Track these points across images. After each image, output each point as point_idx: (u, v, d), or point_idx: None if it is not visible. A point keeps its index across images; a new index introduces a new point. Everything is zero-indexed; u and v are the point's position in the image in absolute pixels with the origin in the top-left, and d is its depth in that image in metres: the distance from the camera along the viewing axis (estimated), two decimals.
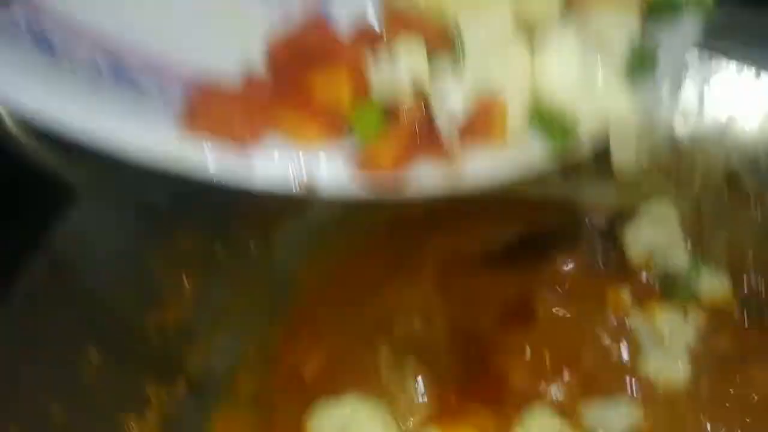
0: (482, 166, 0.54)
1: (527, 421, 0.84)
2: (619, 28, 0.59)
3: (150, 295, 0.84)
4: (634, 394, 0.87)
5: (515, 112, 0.53)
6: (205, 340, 0.90)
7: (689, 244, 0.99)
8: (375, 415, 0.86)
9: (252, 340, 0.94)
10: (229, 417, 0.87)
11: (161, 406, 0.81)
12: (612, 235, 1.02)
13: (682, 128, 1.02)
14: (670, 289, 0.95)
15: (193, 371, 0.87)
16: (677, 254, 0.98)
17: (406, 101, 0.51)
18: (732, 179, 1.00)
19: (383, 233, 1.07)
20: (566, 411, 0.85)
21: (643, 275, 0.98)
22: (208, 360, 0.89)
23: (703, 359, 0.89)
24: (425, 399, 0.89)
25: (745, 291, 0.96)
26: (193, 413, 0.84)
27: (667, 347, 0.90)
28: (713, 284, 0.95)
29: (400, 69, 0.51)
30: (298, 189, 0.53)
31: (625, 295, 0.95)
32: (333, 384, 0.90)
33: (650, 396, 0.86)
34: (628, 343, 0.91)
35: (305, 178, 0.52)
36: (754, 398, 0.85)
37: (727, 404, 0.85)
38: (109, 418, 0.76)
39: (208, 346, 0.90)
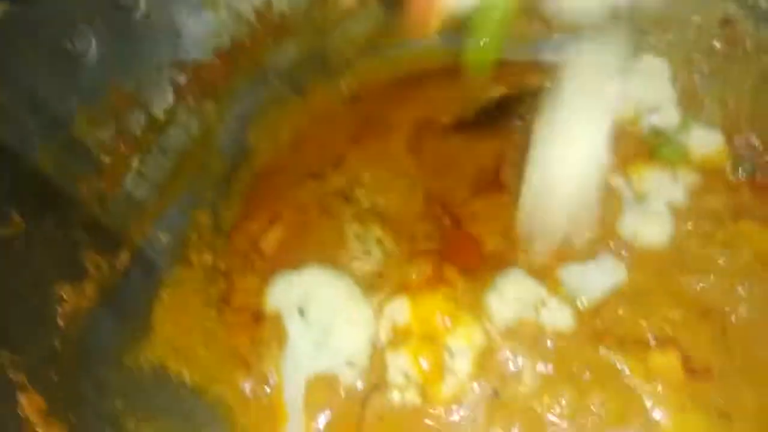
0: None
1: (502, 285, 0.78)
2: None
3: (79, 158, 0.75)
4: (616, 255, 0.81)
5: None
6: (152, 211, 0.82)
7: (680, 101, 0.92)
8: (338, 285, 0.80)
9: (204, 212, 0.86)
10: (179, 291, 0.80)
11: (101, 276, 0.73)
12: None
13: None
14: (658, 147, 0.87)
15: (139, 242, 0.79)
16: (667, 111, 0.90)
17: None
18: (727, 27, 0.91)
19: (346, 101, 0.98)
20: (544, 274, 0.79)
21: (629, 133, 0.90)
22: (156, 232, 0.81)
23: (692, 218, 0.82)
24: (393, 268, 0.82)
25: (738, 147, 0.90)
26: (138, 285, 0.77)
27: (651, 207, 0.83)
28: (705, 141, 0.88)
29: None
30: None
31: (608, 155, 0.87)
32: (294, 256, 0.84)
33: (633, 257, 0.81)
34: (609, 203, 0.84)
35: None
36: (744, 256, 0.80)
37: (718, 262, 0.79)
38: (39, 285, 0.68)
39: (155, 217, 0.82)
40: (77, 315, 0.69)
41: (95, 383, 0.68)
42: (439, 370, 0.74)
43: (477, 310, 0.77)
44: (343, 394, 0.74)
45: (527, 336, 0.75)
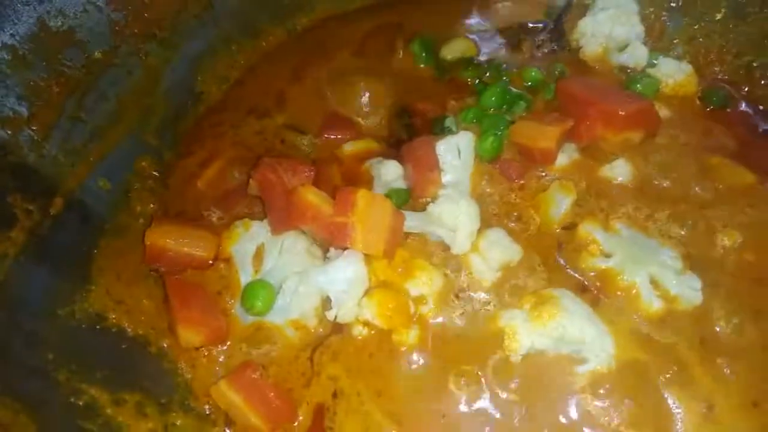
0: None
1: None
2: None
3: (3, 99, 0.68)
4: None
5: None
6: (91, 156, 0.75)
7: (649, 36, 0.88)
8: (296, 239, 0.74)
9: (147, 158, 0.80)
10: (120, 240, 0.74)
11: (32, 223, 0.67)
12: (560, 31, 0.90)
13: None
14: (631, 83, 0.83)
15: (75, 189, 0.72)
16: (637, 47, 0.86)
17: None
18: None
19: (297, 37, 0.93)
20: None
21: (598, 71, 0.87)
22: (95, 178, 0.75)
23: (664, 152, 0.79)
24: None
25: (709, 82, 0.87)
26: (75, 233, 0.71)
27: None
28: (675, 70, 0.84)
29: None
30: None
31: None
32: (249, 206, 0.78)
33: None
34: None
35: None
36: (719, 188, 0.76)
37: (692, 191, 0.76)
38: None
39: (94, 163, 0.75)
40: (2, 263, 0.63)
41: (23, 335, 0.61)
42: (405, 317, 0.69)
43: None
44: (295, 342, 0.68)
45: None
